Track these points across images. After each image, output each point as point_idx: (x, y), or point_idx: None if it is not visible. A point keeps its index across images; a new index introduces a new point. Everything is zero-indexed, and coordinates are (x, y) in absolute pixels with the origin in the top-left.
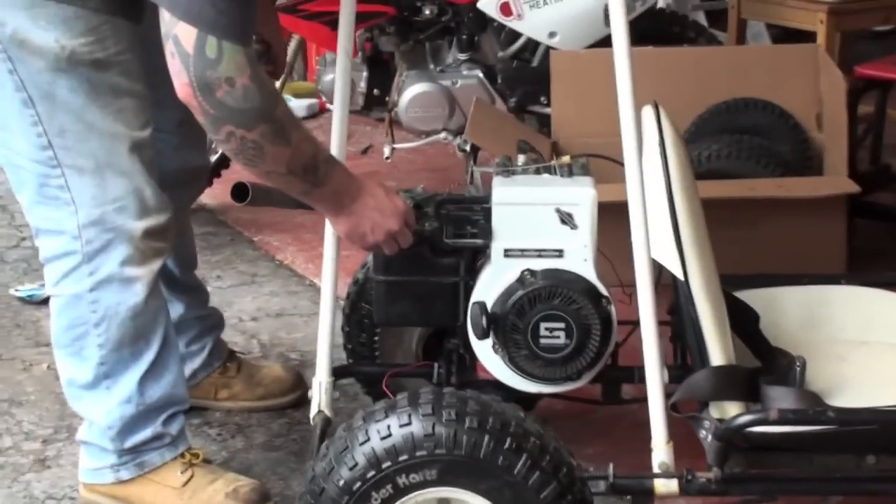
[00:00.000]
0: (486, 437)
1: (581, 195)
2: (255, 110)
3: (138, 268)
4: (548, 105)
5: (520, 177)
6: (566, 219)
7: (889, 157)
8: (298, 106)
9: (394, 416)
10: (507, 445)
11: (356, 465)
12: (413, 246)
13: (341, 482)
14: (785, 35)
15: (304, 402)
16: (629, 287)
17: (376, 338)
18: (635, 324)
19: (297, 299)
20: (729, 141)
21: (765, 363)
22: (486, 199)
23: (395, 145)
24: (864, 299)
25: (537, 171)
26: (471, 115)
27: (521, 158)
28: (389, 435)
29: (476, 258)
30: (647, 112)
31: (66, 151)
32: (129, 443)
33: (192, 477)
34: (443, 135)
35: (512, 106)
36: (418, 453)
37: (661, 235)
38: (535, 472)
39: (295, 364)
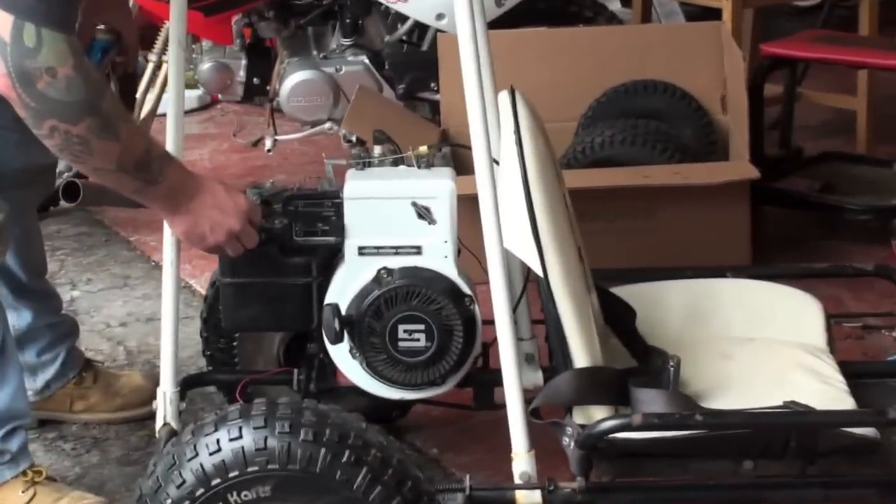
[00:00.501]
0: (322, 450)
1: (438, 188)
2: (79, 103)
3: None
4: (438, 91)
5: (375, 169)
6: (423, 213)
7: (802, 140)
8: (188, 97)
9: (224, 429)
10: (344, 458)
11: (183, 482)
12: (260, 245)
13: (168, 501)
14: (703, 14)
15: None
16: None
17: (236, 343)
18: None
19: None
20: (623, 126)
21: (640, 363)
22: (338, 193)
23: (278, 137)
24: (753, 293)
25: (394, 163)
26: (351, 104)
27: (377, 150)
28: (219, 450)
29: (332, 257)
30: (503, 98)
31: None
32: None
33: (34, 496)
34: (328, 125)
35: (400, 93)
36: (250, 469)
37: (520, 229)
38: (377, 486)
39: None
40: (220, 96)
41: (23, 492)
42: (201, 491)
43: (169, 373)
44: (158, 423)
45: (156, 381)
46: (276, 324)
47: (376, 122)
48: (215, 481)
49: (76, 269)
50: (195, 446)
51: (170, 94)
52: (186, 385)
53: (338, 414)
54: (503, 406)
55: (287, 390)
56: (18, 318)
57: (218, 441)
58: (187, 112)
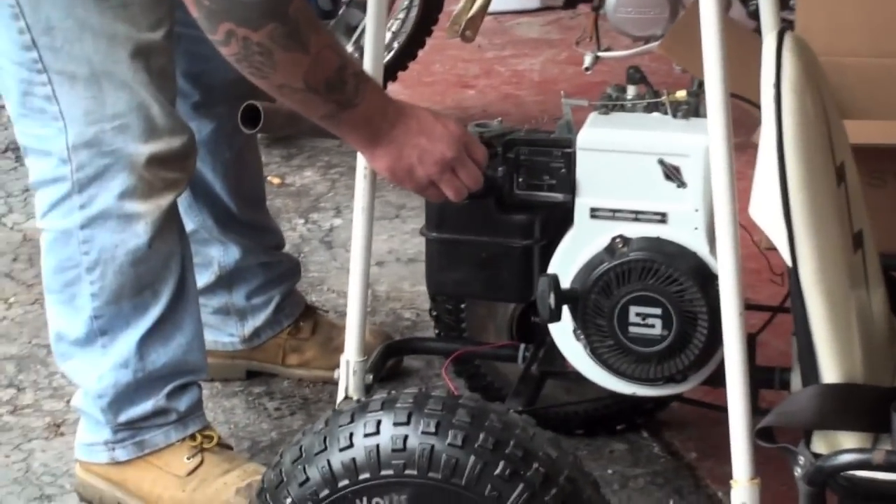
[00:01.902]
0: (472, 458)
1: (691, 144)
2: (260, 4)
3: (141, 202)
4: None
5: (620, 115)
6: (672, 174)
7: None
8: None
9: (360, 421)
10: (497, 470)
11: (307, 480)
12: (474, 196)
13: (288, 500)
14: None
15: (394, 373)
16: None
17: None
18: (776, 309)
19: None
20: None
21: None
22: (571, 141)
23: (601, 53)
24: None
25: (647, 109)
26: (676, 21)
27: (629, 90)
28: (350, 445)
29: (560, 219)
30: (769, 43)
31: (53, 54)
32: (125, 416)
33: (200, 464)
34: None
35: (751, 10)
36: (384, 472)
37: (770, 203)
38: None
39: (405, 325)
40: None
41: (188, 458)
42: (326, 493)
43: (355, 337)
44: (340, 396)
45: (384, 338)
46: (485, 291)
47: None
48: (342, 483)
49: (346, 193)
50: (325, 438)
51: (369, 3)
52: (389, 352)
53: (501, 416)
54: (763, 411)
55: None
56: (225, 254)
57: (351, 435)
58: (529, 11)
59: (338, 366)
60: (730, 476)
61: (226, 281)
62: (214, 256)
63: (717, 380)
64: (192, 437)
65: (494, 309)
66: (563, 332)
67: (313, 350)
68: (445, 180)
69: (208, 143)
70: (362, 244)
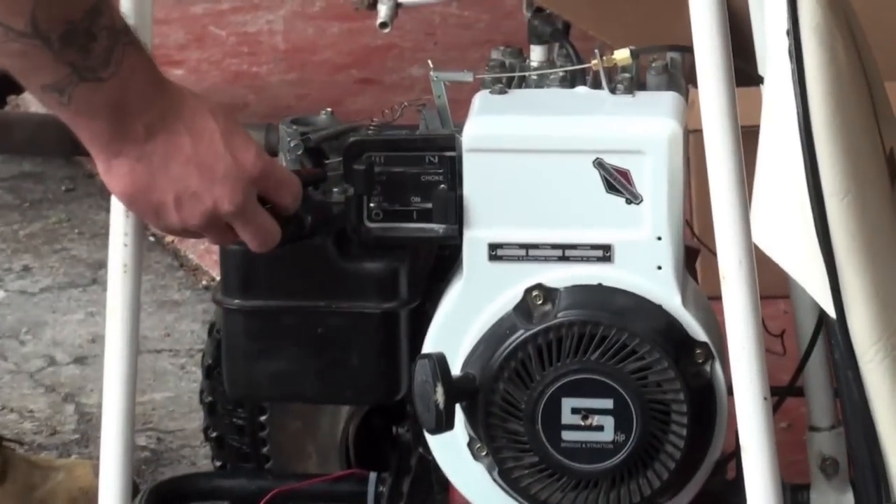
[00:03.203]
0: None
1: (646, 133)
2: None
3: None
4: None
5: (526, 93)
6: (617, 182)
7: None
8: None
9: None
10: None
11: None
12: (298, 238)
13: None
14: None
15: None
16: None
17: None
18: (785, 392)
19: (175, 317)
20: None
21: None
22: (452, 138)
23: None
24: None
25: (566, 82)
26: None
27: (534, 54)
28: None
29: (440, 264)
30: None
31: None
32: None
33: None
34: None
35: None
36: None
37: (792, 221)
38: None
39: (143, 458)
40: None
41: None
42: None
43: (117, 480)
44: None
45: None
46: (324, 391)
47: None
48: None
49: (5, 247)
50: None
51: None
52: (160, 499)
53: None
54: None
55: None
56: None
57: None
58: None
59: None
60: None
61: None
62: None
63: None
64: None
65: (316, 420)
66: (451, 447)
67: None
68: (214, 233)
69: None
70: (125, 318)
